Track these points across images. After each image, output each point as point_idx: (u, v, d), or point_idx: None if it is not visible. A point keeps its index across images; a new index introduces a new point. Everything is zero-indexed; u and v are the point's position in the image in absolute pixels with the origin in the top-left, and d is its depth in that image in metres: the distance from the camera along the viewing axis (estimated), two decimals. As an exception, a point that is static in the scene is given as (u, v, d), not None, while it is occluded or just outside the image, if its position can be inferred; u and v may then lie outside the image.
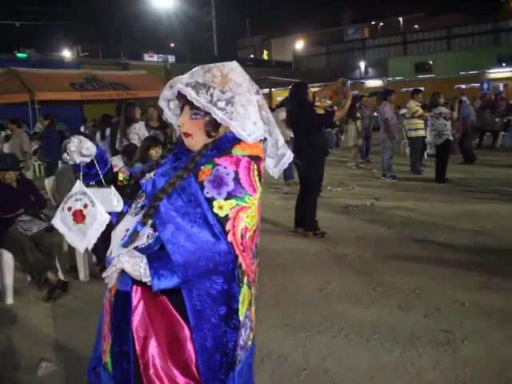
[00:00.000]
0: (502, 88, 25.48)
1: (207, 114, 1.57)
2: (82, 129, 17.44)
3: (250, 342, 1.62)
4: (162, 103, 1.73)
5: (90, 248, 1.74)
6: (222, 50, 45.68)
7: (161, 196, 1.52)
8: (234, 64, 1.65)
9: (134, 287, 1.59)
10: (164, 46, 40.71)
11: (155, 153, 5.16)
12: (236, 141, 1.57)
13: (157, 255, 1.49)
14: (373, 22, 51.99)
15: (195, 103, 1.55)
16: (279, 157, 1.73)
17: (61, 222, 1.79)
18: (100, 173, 1.79)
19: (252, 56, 51.97)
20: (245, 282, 1.52)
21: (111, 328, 1.63)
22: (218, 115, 1.55)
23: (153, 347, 1.57)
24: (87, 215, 1.83)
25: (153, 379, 1.55)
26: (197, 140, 1.60)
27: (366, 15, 52.25)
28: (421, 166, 10.63)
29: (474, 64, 28.48)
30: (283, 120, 10.27)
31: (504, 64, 28.98)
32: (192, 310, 1.47)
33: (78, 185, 1.80)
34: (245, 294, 1.53)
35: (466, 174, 9.94)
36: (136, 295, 1.59)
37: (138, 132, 6.18)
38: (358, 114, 11.95)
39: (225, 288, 1.47)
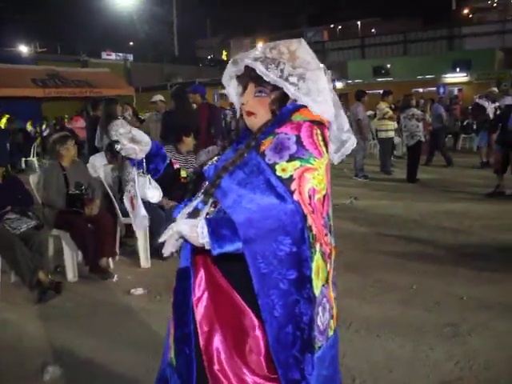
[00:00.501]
0: (456, 92, 26.31)
1: (273, 91, 1.52)
2: (44, 127, 16.92)
3: (331, 332, 1.51)
4: (225, 81, 1.65)
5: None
6: (182, 49, 45.34)
7: (222, 174, 1.46)
8: (301, 41, 1.60)
9: (199, 275, 1.53)
10: (122, 45, 39.98)
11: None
12: (296, 108, 1.52)
13: (216, 218, 1.43)
14: (332, 26, 52.81)
15: (265, 78, 1.48)
16: (342, 142, 1.67)
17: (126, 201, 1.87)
18: (159, 168, 1.74)
19: (211, 56, 51.77)
20: (317, 249, 1.38)
21: (173, 312, 1.57)
22: (290, 90, 1.49)
23: (217, 342, 1.50)
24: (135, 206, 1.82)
25: (218, 376, 1.47)
26: (260, 119, 1.54)
27: (325, 18, 53.02)
28: (390, 167, 10.87)
29: (430, 69, 29.33)
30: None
31: (458, 69, 30.00)
32: (256, 273, 1.33)
33: (134, 173, 1.77)
34: (318, 265, 1.40)
35: (435, 175, 10.22)
36: (200, 286, 1.54)
37: (119, 129, 6.02)
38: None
39: (294, 250, 1.33)
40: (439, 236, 5.71)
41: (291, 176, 1.36)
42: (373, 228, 6.13)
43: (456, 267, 4.64)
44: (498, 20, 42.49)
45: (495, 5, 47.87)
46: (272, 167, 1.40)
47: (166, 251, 1.43)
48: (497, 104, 10.47)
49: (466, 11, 47.96)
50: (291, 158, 1.39)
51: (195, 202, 1.53)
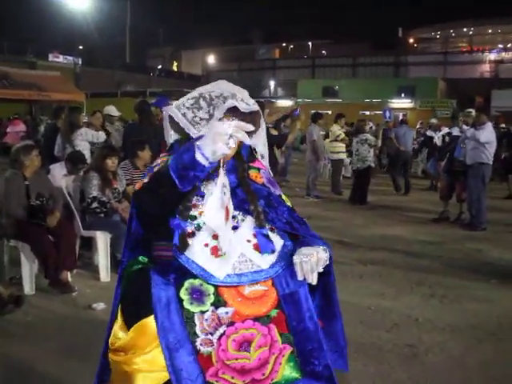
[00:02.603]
0: (401, 117, 27.44)
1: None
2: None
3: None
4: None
5: None
6: (133, 56, 44.84)
7: (255, 201, 1.64)
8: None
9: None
10: (72, 48, 39.07)
11: (111, 163, 5.05)
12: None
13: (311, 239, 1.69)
14: (284, 44, 53.81)
15: (246, 111, 1.62)
16: None
17: None
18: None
19: (160, 66, 51.48)
20: None
21: (290, 335, 1.61)
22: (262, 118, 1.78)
23: None
24: None
25: None
26: (233, 151, 1.64)
27: (278, 36, 53.99)
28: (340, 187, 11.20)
29: (376, 93, 30.51)
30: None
31: (403, 95, 31.37)
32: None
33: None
34: None
35: (383, 197, 10.64)
36: None
37: (87, 137, 5.95)
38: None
39: None
40: (392, 258, 5.96)
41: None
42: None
43: (410, 289, 4.88)
44: (440, 51, 44.74)
45: (438, 36, 50.47)
46: (281, 198, 1.71)
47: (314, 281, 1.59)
48: (445, 130, 11.01)
49: (411, 40, 50.24)
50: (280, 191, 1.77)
51: (244, 231, 1.62)
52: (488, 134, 7.37)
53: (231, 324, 1.52)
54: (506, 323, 4.11)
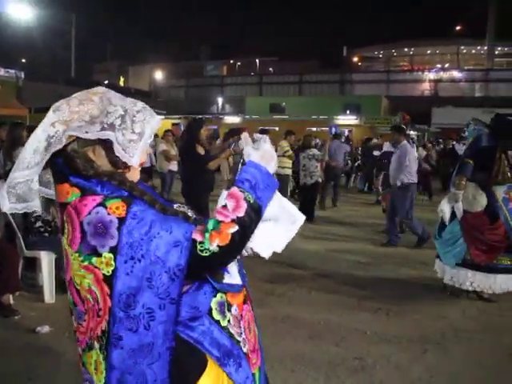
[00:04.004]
0: (347, 133, 28.18)
1: None
2: None
3: None
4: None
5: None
6: (78, 71, 43.94)
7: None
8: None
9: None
10: (14, 60, 37.86)
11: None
12: None
13: None
14: (231, 61, 54.27)
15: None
16: None
17: None
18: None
19: (107, 81, 50.72)
20: None
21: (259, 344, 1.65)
22: None
23: None
24: None
25: None
26: None
27: (225, 53, 54.41)
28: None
29: (323, 109, 31.17)
30: (161, 152, 10.33)
31: (348, 112, 32.21)
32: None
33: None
34: None
35: (330, 213, 10.84)
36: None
37: (26, 156, 5.77)
38: (235, 148, 12.42)
39: None
40: (340, 273, 6.08)
41: None
42: (278, 264, 6.36)
43: (358, 303, 4.99)
44: (383, 70, 46.37)
45: (381, 56, 52.36)
46: None
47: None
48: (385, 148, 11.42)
49: (355, 59, 51.82)
50: None
51: None
52: (404, 153, 7.54)
53: (241, 317, 1.57)
54: (448, 333, 4.27)
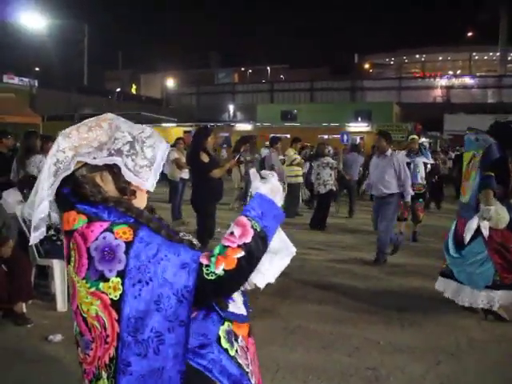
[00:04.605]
0: (358, 140, 28.10)
1: None
2: None
3: None
4: None
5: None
6: (91, 79, 44.39)
7: None
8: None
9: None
10: (27, 69, 38.34)
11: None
12: None
13: None
14: (242, 68, 54.49)
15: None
16: None
17: None
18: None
19: (119, 89, 51.20)
20: None
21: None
22: None
23: None
24: None
25: None
26: None
27: (236, 60, 54.66)
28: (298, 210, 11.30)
29: (334, 117, 31.14)
30: (173, 160, 10.35)
31: (360, 119, 32.14)
32: None
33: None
34: None
35: (343, 221, 10.78)
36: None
37: (40, 165, 5.82)
38: (242, 159, 12.43)
39: None
40: (351, 283, 6.03)
41: None
42: (289, 274, 6.32)
43: (369, 313, 4.94)
44: (394, 77, 46.23)
45: (392, 62, 52.25)
46: None
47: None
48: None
49: (366, 66, 51.77)
50: None
51: None
52: (399, 163, 6.96)
53: (247, 349, 1.55)
54: (463, 343, 4.21)
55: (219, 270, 1.31)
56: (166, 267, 1.31)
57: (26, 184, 5.53)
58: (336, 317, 4.81)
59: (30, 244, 1.47)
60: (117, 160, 1.43)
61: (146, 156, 1.46)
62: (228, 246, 1.36)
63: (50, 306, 4.84)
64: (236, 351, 1.50)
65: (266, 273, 1.57)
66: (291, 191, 11.19)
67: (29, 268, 4.64)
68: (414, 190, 8.16)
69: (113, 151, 1.43)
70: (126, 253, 1.32)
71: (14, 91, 23.22)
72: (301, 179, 11.12)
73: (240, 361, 1.49)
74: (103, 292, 1.34)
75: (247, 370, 1.51)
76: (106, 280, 1.33)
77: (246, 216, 1.42)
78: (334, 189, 9.91)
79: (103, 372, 1.39)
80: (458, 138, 24.21)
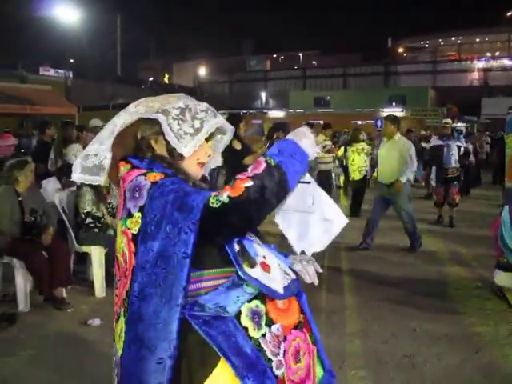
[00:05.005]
0: (393, 126, 27.64)
1: None
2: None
3: None
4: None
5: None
6: (124, 69, 44.91)
7: None
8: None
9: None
10: (62, 61, 39.07)
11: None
12: None
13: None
14: (274, 55, 54.10)
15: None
16: None
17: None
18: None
19: (151, 79, 51.59)
20: None
21: (313, 336, 1.64)
22: None
23: None
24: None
25: None
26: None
27: (268, 47, 54.34)
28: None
29: (367, 102, 30.69)
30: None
31: (394, 104, 31.57)
32: None
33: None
34: None
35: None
36: None
37: (77, 154, 5.94)
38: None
39: None
40: (387, 270, 5.94)
41: None
42: (324, 261, 6.29)
43: (405, 300, 4.86)
44: (429, 60, 45.11)
45: (427, 46, 50.97)
46: None
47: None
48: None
49: (400, 50, 50.68)
50: None
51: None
52: (408, 149, 6.60)
53: (284, 339, 1.49)
54: (503, 332, 4.11)
55: (224, 197, 1.31)
56: (177, 200, 1.35)
57: (65, 173, 5.67)
58: (371, 304, 4.76)
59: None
60: (159, 117, 1.50)
61: (194, 126, 1.51)
62: (238, 178, 1.37)
63: (88, 291, 4.96)
64: (263, 335, 1.44)
65: (314, 240, 1.62)
66: (322, 178, 11.08)
67: (68, 255, 4.76)
68: (448, 174, 8.40)
69: (160, 110, 1.51)
70: (149, 190, 1.39)
71: (50, 83, 23.70)
72: (331, 166, 10.96)
73: (264, 346, 1.43)
74: (128, 228, 1.42)
75: (271, 357, 1.43)
76: (131, 216, 1.41)
77: (264, 156, 1.42)
78: (369, 175, 9.77)
79: (122, 309, 1.44)
80: (496, 122, 23.49)
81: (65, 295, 4.68)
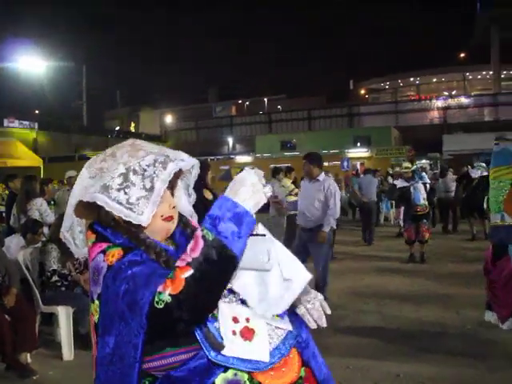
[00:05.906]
0: (359, 166, 28.12)
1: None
2: None
3: None
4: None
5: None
6: (90, 119, 44.83)
7: None
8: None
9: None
10: (27, 112, 38.82)
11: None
12: None
13: None
14: (239, 101, 55.03)
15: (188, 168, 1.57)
16: None
17: None
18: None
19: (118, 128, 51.61)
20: None
21: None
22: None
23: None
24: None
25: None
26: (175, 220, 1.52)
27: (233, 94, 55.30)
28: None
29: (333, 144, 31.16)
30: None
31: (359, 144, 32.23)
32: None
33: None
34: None
35: (351, 248, 10.65)
36: None
37: (40, 208, 5.77)
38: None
39: None
40: (364, 313, 5.86)
41: None
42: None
43: (385, 344, 4.77)
44: (390, 101, 46.63)
45: (387, 87, 52.79)
46: None
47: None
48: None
49: (362, 91, 52.27)
50: None
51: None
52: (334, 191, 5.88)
53: None
54: (487, 376, 4.04)
55: (166, 296, 1.15)
56: (127, 294, 1.23)
57: (30, 228, 5.46)
58: (353, 349, 4.64)
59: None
60: (97, 198, 1.32)
61: (145, 185, 1.33)
62: (178, 266, 1.20)
63: (55, 354, 4.69)
64: None
65: (274, 301, 1.41)
66: (291, 222, 11.05)
67: (33, 316, 4.52)
68: (417, 212, 8.66)
69: (98, 188, 1.34)
70: (105, 275, 1.29)
71: (14, 135, 23.42)
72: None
73: None
74: (92, 314, 1.34)
75: None
76: (93, 302, 1.33)
77: (201, 228, 1.24)
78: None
79: None
80: (459, 157, 24.19)
81: (29, 360, 4.41)
